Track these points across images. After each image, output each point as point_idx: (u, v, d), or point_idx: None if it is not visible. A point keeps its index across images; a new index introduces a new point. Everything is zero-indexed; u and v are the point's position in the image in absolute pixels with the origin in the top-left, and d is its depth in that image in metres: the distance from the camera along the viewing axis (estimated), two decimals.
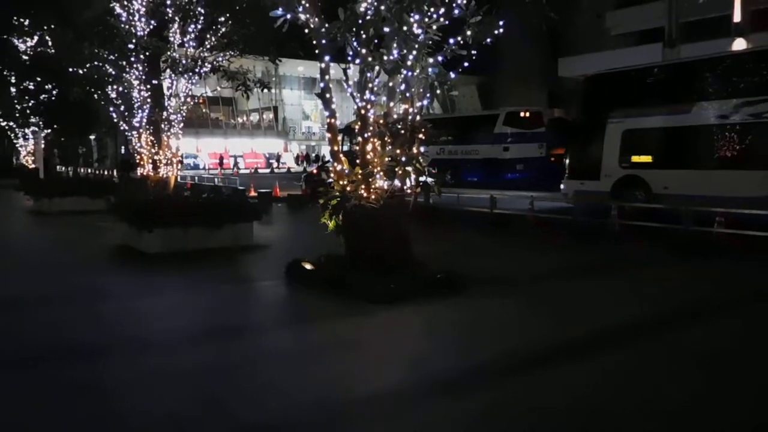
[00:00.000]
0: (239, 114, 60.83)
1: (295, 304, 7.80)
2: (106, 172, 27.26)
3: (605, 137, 14.41)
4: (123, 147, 35.62)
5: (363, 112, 8.05)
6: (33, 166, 26.21)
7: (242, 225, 11.15)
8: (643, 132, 13.87)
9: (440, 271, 7.95)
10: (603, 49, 31.87)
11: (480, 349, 5.63)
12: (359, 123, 8.14)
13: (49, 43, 18.25)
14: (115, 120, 15.17)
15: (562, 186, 15.56)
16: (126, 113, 15.14)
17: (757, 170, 11.62)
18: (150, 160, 15.21)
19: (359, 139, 8.20)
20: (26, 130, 27.15)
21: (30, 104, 24.51)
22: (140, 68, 14.38)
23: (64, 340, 5.99)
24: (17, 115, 25.70)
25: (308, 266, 8.45)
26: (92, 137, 35.11)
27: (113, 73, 14.51)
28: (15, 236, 14.35)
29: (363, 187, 8.10)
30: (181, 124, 15.11)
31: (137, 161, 15.19)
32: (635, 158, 14.02)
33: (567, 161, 15.78)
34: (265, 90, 54.42)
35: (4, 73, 24.92)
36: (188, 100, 14.64)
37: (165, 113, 14.55)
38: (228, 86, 16.13)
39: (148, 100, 14.34)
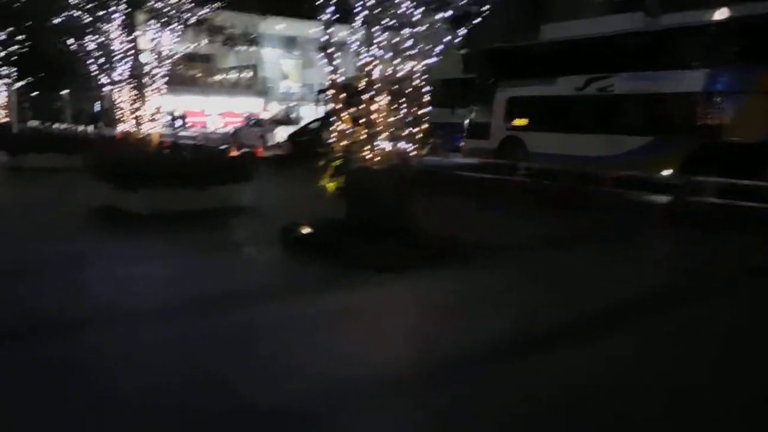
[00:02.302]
0: (217, 72, 59.25)
1: (290, 270, 7.40)
2: (81, 128, 26.25)
3: (494, 103, 16.86)
4: (98, 103, 34.44)
5: (369, 68, 7.57)
6: (6, 120, 25.12)
7: (231, 186, 10.66)
8: (521, 100, 16.29)
9: (440, 238, 7.65)
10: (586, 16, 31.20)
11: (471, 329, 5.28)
12: (365, 80, 7.67)
13: None
14: (94, 73, 14.38)
15: (462, 143, 17.85)
16: (106, 66, 14.39)
17: (602, 134, 13.85)
18: (131, 117, 14.58)
19: (364, 97, 7.73)
20: None
21: (0, 55, 23.40)
22: (119, 19, 13.62)
23: (45, 314, 5.48)
24: None
25: (305, 230, 8.06)
26: (66, 92, 33.90)
27: (90, 22, 13.73)
28: None
29: (367, 148, 7.68)
30: (165, 79, 14.45)
31: (118, 118, 14.51)
32: (515, 122, 16.42)
33: (467, 123, 17.90)
34: (244, 47, 53.11)
35: None
36: (171, 53, 13.95)
37: (148, 67, 13.87)
38: (207, 42, 15.46)
39: (130, 52, 13.61)
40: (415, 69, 7.79)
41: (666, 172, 12.77)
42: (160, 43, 13.83)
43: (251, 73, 60.91)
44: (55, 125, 23.34)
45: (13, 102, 25.44)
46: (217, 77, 59.40)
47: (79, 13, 13.85)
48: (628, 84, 13.87)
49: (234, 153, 21.95)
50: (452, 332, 5.22)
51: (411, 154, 7.93)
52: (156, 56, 13.83)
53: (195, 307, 5.68)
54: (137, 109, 14.04)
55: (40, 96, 26.53)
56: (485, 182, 13.31)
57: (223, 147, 23.28)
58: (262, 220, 9.92)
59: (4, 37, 20.86)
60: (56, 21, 14.02)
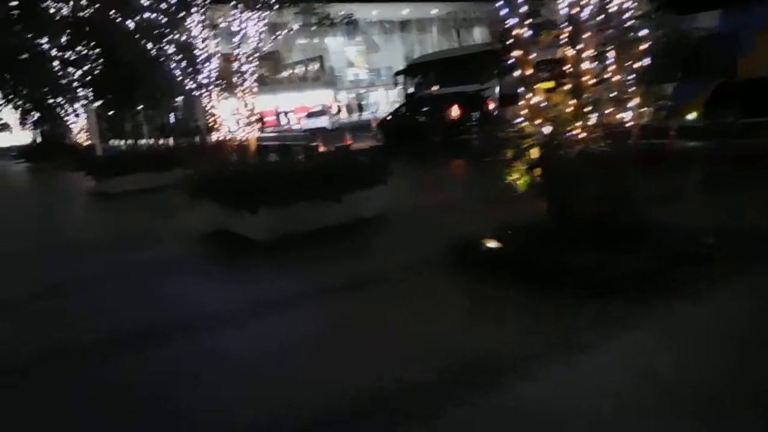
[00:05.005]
0: (284, 68, 58.01)
1: (500, 310, 5.09)
2: (161, 142, 25.13)
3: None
4: (172, 114, 33.48)
5: (575, 9, 5.33)
6: (88, 143, 24.25)
7: (361, 193, 8.66)
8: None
9: (684, 232, 5.42)
10: None
11: None
12: (570, 28, 5.43)
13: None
14: (179, 78, 12.70)
15: None
16: (189, 69, 12.70)
17: None
18: (221, 123, 12.88)
19: (569, 52, 5.49)
20: (76, 105, 25.12)
21: (75, 76, 22.45)
22: (200, 13, 11.88)
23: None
24: (63, 89, 23.70)
25: (490, 244, 5.95)
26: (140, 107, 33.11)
27: (169, 22, 12.05)
28: (83, 225, 12.16)
29: (579, 124, 5.46)
30: (255, 76, 12.64)
31: (210, 125, 12.81)
32: None
33: None
34: (309, 39, 51.39)
35: (42, 44, 22.82)
36: (261, 42, 12.07)
37: (236, 63, 12.09)
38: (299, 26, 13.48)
39: (217, 46, 11.84)
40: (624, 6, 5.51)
41: (691, 116, 12.70)
42: (247, 34, 11.98)
43: (318, 65, 59.43)
44: (138, 142, 22.21)
45: (94, 123, 24.57)
46: (285, 73, 58.17)
47: (155, 15, 12.20)
48: None
49: (322, 148, 20.18)
50: None
51: (631, 126, 5.67)
52: (245, 50, 12.01)
53: (402, 400, 3.67)
54: (231, 112, 12.30)
55: (116, 113, 25.55)
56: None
57: (312, 144, 21.54)
58: (417, 234, 7.81)
59: (79, 53, 19.78)
60: (132, 26, 12.42)
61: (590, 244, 5.18)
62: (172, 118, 34.87)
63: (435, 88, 23.01)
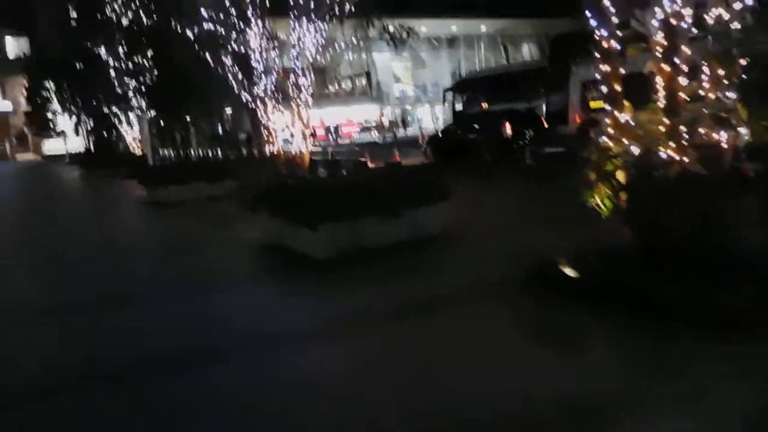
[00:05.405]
0: (331, 82, 58.42)
1: (595, 340, 4.67)
2: (213, 152, 25.33)
3: None
4: (221, 123, 33.84)
5: (674, 21, 4.96)
6: (141, 152, 24.62)
7: (422, 210, 8.36)
8: None
9: None
10: None
11: None
12: (665, 41, 5.06)
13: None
14: (236, 90, 12.67)
15: None
16: (246, 81, 12.66)
17: None
18: (276, 135, 12.80)
19: (663, 66, 5.10)
20: (130, 114, 25.58)
21: (131, 86, 22.82)
22: (260, 22, 11.83)
23: None
24: (119, 98, 24.14)
25: (571, 268, 5.57)
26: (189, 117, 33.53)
27: (228, 29, 12.03)
28: (138, 236, 12.14)
29: (673, 144, 5.07)
30: (310, 88, 12.53)
31: (263, 137, 12.73)
32: None
33: None
34: (356, 55, 51.60)
35: (99, 54, 23.31)
36: (319, 53, 11.94)
37: (293, 76, 11.99)
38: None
39: (276, 59, 11.76)
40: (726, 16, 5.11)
41: None
42: (305, 45, 11.89)
43: (365, 80, 59.65)
44: (188, 151, 22.41)
45: (146, 132, 24.94)
46: (332, 87, 58.57)
47: (215, 25, 12.21)
48: None
49: (371, 165, 19.97)
50: None
51: (729, 147, 5.25)
52: (302, 61, 11.91)
53: None
54: (286, 124, 12.20)
55: (168, 123, 25.89)
56: None
57: (361, 159, 21.39)
58: (485, 254, 7.43)
59: (136, 63, 20.10)
60: (191, 36, 12.47)
61: (685, 273, 4.77)
62: (220, 129, 35.30)
63: (485, 105, 22.73)
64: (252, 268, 8.10)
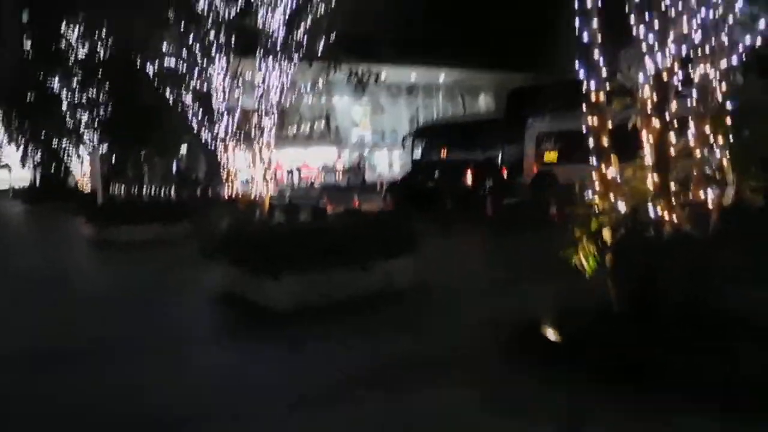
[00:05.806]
0: (290, 124, 58.17)
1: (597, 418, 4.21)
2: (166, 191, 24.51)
3: None
4: (177, 161, 33.04)
5: (665, 77, 4.80)
6: (90, 188, 23.64)
7: (390, 261, 7.96)
8: None
9: None
10: None
11: None
12: (653, 94, 4.89)
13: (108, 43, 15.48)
14: (195, 130, 12.18)
15: None
16: (206, 119, 12.22)
17: None
18: (234, 178, 12.35)
19: (653, 124, 4.93)
20: (80, 148, 24.64)
21: (84, 119, 22.02)
22: (225, 60, 11.48)
23: None
24: (70, 132, 23.27)
25: (556, 331, 5.25)
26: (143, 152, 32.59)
27: (191, 67, 11.64)
28: (83, 280, 11.16)
29: (663, 202, 4.86)
30: (273, 130, 12.18)
31: (225, 178, 12.24)
32: None
33: None
34: (315, 98, 51.67)
35: (53, 88, 22.52)
36: (283, 94, 11.63)
37: (256, 116, 11.63)
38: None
39: (238, 99, 11.38)
40: (714, 74, 5.00)
41: None
42: (269, 86, 11.57)
43: (324, 123, 59.68)
44: (140, 189, 21.59)
45: (97, 168, 24.02)
46: (291, 130, 58.32)
47: (177, 61, 11.81)
48: None
49: (331, 209, 19.56)
50: None
51: (715, 207, 5.07)
52: (265, 102, 11.57)
53: None
54: (247, 165, 11.77)
55: (120, 160, 25.01)
56: None
57: (321, 204, 20.97)
58: (458, 310, 7.05)
59: (90, 97, 19.41)
60: (151, 71, 12.00)
61: (679, 337, 4.50)
62: (176, 167, 34.43)
63: (444, 153, 22.95)
64: (206, 322, 7.52)
